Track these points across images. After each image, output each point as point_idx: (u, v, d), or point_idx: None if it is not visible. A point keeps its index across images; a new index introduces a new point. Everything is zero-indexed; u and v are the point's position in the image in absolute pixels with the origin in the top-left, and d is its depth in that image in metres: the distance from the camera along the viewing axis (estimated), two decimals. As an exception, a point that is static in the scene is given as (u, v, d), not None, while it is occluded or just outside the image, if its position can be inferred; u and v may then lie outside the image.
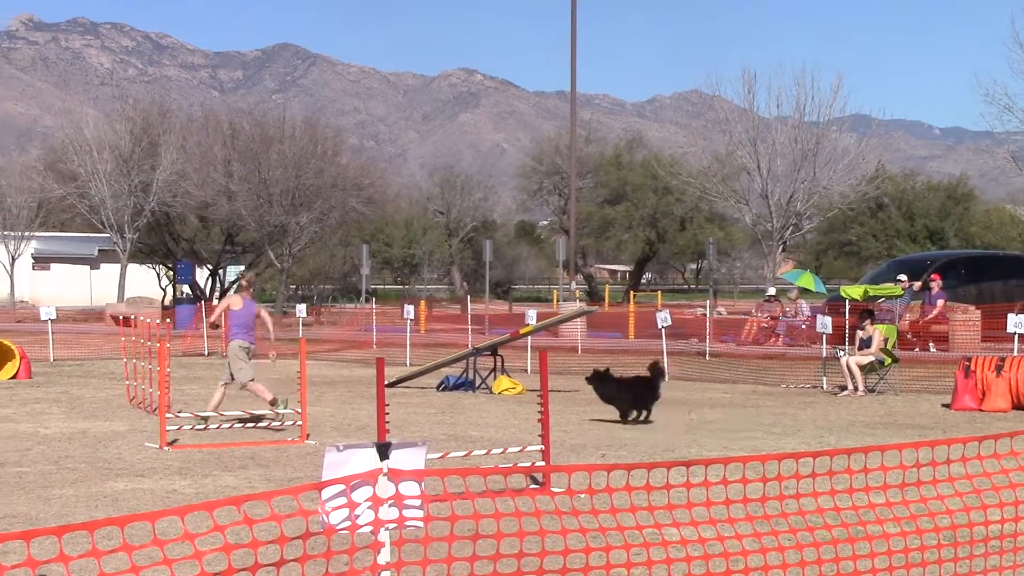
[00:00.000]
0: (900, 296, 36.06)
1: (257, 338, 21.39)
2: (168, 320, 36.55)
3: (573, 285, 60.76)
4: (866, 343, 27.77)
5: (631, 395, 22.03)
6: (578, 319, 39.88)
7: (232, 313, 21.32)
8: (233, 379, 21.00)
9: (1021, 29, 50.19)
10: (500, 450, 15.29)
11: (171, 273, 72.77)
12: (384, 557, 6.87)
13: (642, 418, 21.89)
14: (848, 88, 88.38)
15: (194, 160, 66.72)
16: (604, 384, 22.25)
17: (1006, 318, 27.89)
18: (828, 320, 30.08)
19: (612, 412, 23.54)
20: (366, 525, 6.71)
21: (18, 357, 31.11)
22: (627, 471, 7.70)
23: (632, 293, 69.42)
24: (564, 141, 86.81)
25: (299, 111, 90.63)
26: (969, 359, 25.02)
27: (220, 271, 74.31)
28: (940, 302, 38.38)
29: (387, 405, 13.60)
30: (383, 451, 6.82)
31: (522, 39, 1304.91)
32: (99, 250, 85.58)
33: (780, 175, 55.43)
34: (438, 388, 28.34)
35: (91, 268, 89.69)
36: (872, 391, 27.25)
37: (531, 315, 33.21)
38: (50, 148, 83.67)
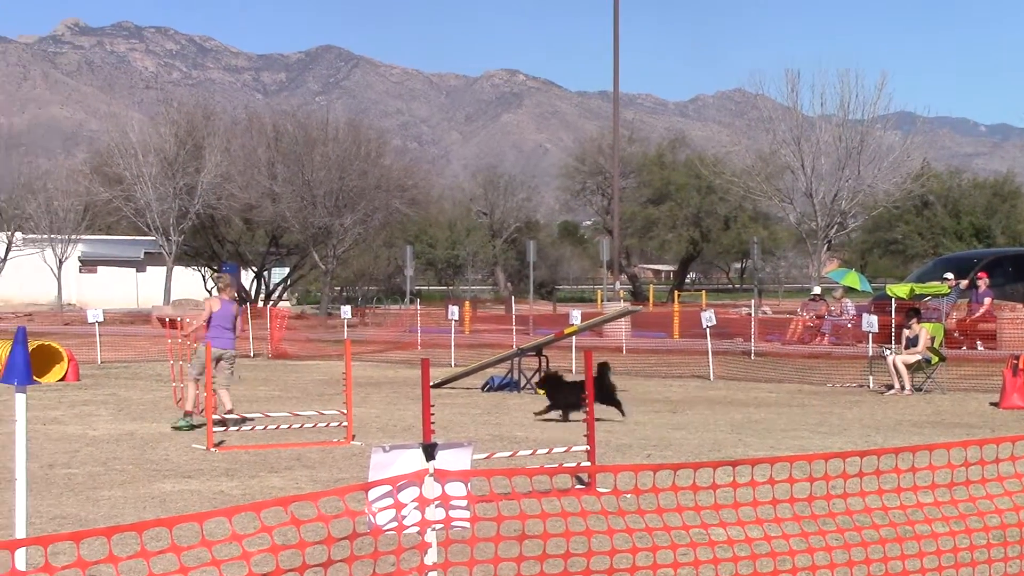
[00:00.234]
0: (947, 294, 35.88)
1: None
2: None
3: (617, 285, 60.72)
4: (913, 342, 27.64)
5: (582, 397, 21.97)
6: (622, 319, 39.85)
7: (212, 315, 21.44)
8: (225, 380, 20.95)
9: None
10: (545, 450, 15.28)
11: (216, 275, 73.05)
12: (431, 558, 6.88)
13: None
14: (892, 85, 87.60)
15: (238, 163, 66.95)
16: (557, 389, 22.15)
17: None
18: (874, 319, 29.94)
19: (656, 412, 23.52)
20: (413, 526, 6.71)
21: (66, 359, 31.30)
22: (673, 471, 7.68)
23: (676, 293, 69.31)
24: (607, 141, 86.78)
25: (342, 113, 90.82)
26: (1017, 357, 24.83)
27: (265, 273, 74.54)
28: (987, 300, 38.18)
29: (432, 406, 13.61)
30: (429, 452, 6.82)
31: (564, 39, 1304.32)
32: (145, 253, 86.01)
33: (824, 173, 55.20)
34: (483, 389, 28.33)
35: (137, 271, 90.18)
36: (919, 390, 27.10)
37: (575, 315, 33.18)
38: (96, 152, 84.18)
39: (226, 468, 16.42)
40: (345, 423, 19.19)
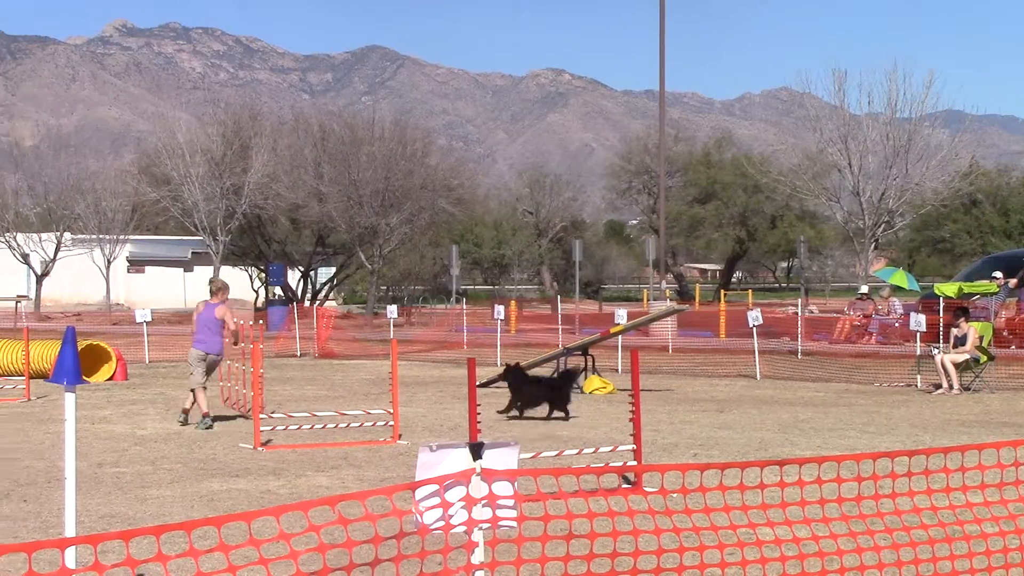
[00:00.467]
0: (995, 293, 35.68)
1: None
2: (261, 322, 36.85)
3: (663, 284, 60.58)
4: (961, 341, 27.48)
5: (542, 392, 21.92)
6: (668, 318, 39.76)
7: (196, 318, 21.91)
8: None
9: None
10: (592, 450, 15.27)
11: (263, 275, 73.31)
12: (478, 557, 6.88)
13: (562, 415, 21.93)
14: (940, 83, 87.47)
15: (285, 163, 67.12)
16: (518, 382, 22.15)
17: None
18: (922, 318, 29.77)
19: (702, 411, 23.46)
20: (460, 525, 6.73)
21: (114, 359, 31.49)
22: (720, 470, 7.66)
23: (723, 292, 69.14)
24: (653, 140, 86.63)
25: (388, 113, 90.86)
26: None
27: (312, 273, 74.74)
28: (1036, 299, 37.90)
29: (478, 405, 13.62)
30: (476, 451, 6.83)
31: (610, 38, 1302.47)
32: (192, 252, 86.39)
33: (871, 172, 54.93)
34: (529, 388, 28.28)
35: (184, 270, 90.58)
36: (967, 389, 26.95)
37: (621, 314, 33.13)
38: (144, 152, 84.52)
39: (273, 467, 16.48)
40: (391, 422, 19.23)
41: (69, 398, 8.64)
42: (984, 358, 27.37)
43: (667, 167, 67.38)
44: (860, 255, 57.26)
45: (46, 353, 30.44)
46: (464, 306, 50.38)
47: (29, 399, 25.90)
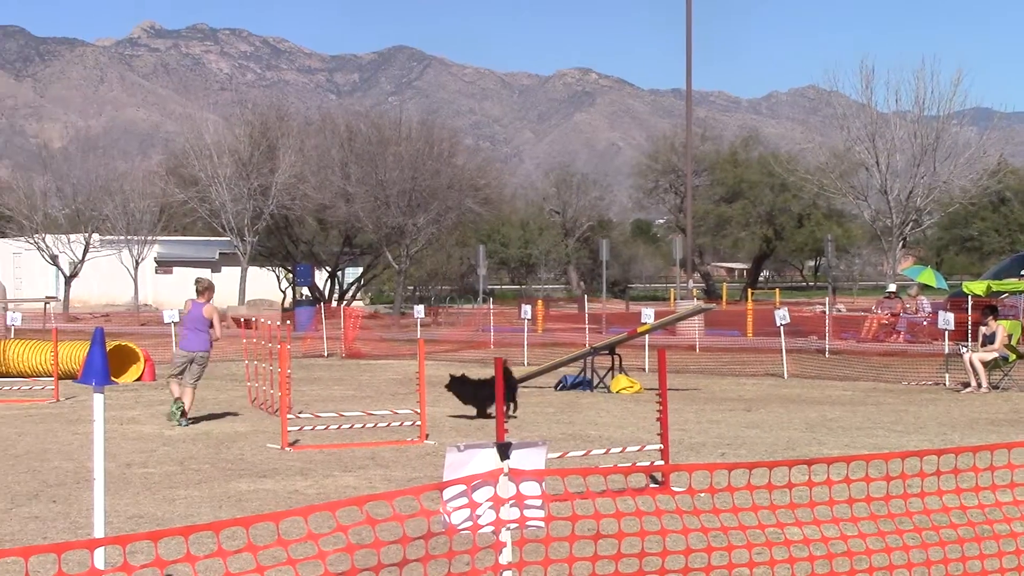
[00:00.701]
0: (1024, 291, 35.50)
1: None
2: (288, 322, 36.94)
3: (690, 283, 60.50)
4: (989, 339, 27.39)
5: (487, 394, 21.88)
6: (695, 317, 39.72)
7: (183, 317, 22.36)
8: (192, 379, 21.76)
9: None
10: (619, 449, 15.27)
11: (290, 275, 73.47)
12: (506, 557, 6.89)
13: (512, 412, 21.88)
14: (968, 81, 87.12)
15: (312, 163, 67.24)
16: (463, 387, 22.12)
17: None
18: (950, 316, 29.67)
19: (730, 410, 23.43)
20: (487, 525, 6.73)
21: (142, 360, 31.57)
22: (748, 470, 7.65)
23: (750, 291, 69.01)
24: (680, 139, 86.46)
25: (415, 113, 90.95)
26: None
27: (339, 273, 74.85)
28: (1065, 297, 37.71)
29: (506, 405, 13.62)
30: (504, 451, 6.83)
31: (637, 37, 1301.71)
32: (220, 253, 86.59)
33: (899, 170, 54.77)
34: (556, 387, 28.32)
35: (212, 271, 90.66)
36: (996, 388, 26.86)
37: (648, 314, 33.12)
38: (171, 153, 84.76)
39: (300, 467, 16.51)
40: (419, 422, 19.25)
41: (98, 399, 8.67)
42: (1013, 356, 27.27)
43: (694, 166, 67.23)
44: (888, 253, 57.10)
45: (75, 354, 30.55)
46: (491, 306, 50.38)
47: (58, 400, 26.00)
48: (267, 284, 77.99)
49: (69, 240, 76.38)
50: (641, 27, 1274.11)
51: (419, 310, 46.21)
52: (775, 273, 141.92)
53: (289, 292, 74.63)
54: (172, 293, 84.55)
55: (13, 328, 39.82)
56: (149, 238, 75.76)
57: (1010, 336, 27.72)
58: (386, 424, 20.02)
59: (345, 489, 14.69)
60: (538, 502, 6.86)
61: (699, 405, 24.43)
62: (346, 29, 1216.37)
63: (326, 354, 41.75)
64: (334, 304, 63.83)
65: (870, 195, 57.10)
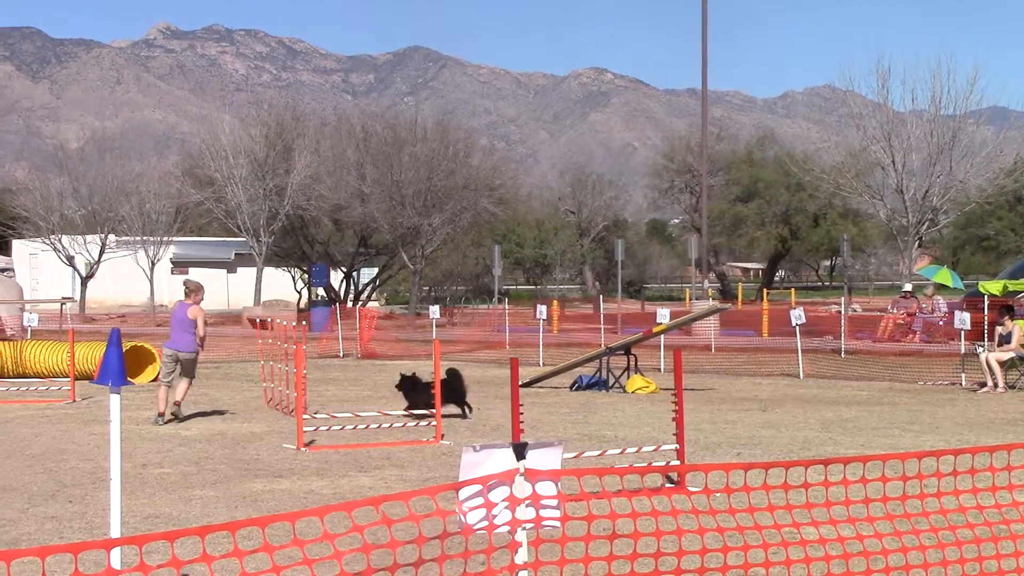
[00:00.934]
0: (1041, 291, 35.42)
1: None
2: (304, 322, 36.99)
3: (706, 283, 60.47)
4: (1006, 339, 27.34)
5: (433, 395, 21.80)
6: (711, 317, 39.68)
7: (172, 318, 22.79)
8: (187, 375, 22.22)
9: None
10: (635, 449, 15.25)
11: (306, 276, 73.55)
12: (521, 557, 6.89)
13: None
14: (985, 80, 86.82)
15: (327, 164, 67.31)
16: (414, 387, 22.05)
17: None
18: (966, 316, 29.62)
19: (746, 410, 23.41)
20: (503, 525, 6.73)
21: (158, 361, 31.60)
22: (764, 470, 7.64)
23: (765, 291, 68.96)
24: (695, 139, 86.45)
25: (430, 113, 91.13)
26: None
27: (354, 273, 74.91)
28: (1082, 296, 37.61)
29: (521, 405, 13.62)
30: (520, 451, 6.83)
31: (652, 37, 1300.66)
32: (235, 254, 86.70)
33: (915, 170, 54.72)
34: (571, 388, 28.31)
35: (228, 272, 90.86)
36: (1012, 387, 26.79)
37: (663, 314, 33.09)
38: (187, 154, 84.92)
39: (316, 467, 16.52)
40: (434, 422, 19.26)
41: (114, 399, 8.69)
42: (1030, 356, 27.20)
43: (709, 166, 67.18)
44: (904, 253, 57.02)
45: (91, 355, 30.63)
46: (506, 306, 50.39)
47: (74, 400, 26.05)
48: (283, 285, 78.09)
49: (85, 241, 76.52)
50: (656, 27, 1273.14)
51: (434, 310, 46.19)
52: (791, 273, 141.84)
53: (305, 293, 74.70)
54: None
55: (30, 329, 39.92)
56: (165, 239, 75.79)
57: (1027, 336, 27.64)
58: (401, 424, 20.03)
59: (361, 489, 14.70)
60: (554, 502, 6.86)
61: (715, 405, 24.41)
62: (361, 30, 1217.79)
63: (341, 354, 41.77)
64: (349, 304, 63.89)
65: (886, 194, 57.04)
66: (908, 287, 45.35)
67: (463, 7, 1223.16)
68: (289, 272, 77.44)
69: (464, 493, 6.67)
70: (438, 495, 6.63)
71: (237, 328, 55.32)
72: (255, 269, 68.80)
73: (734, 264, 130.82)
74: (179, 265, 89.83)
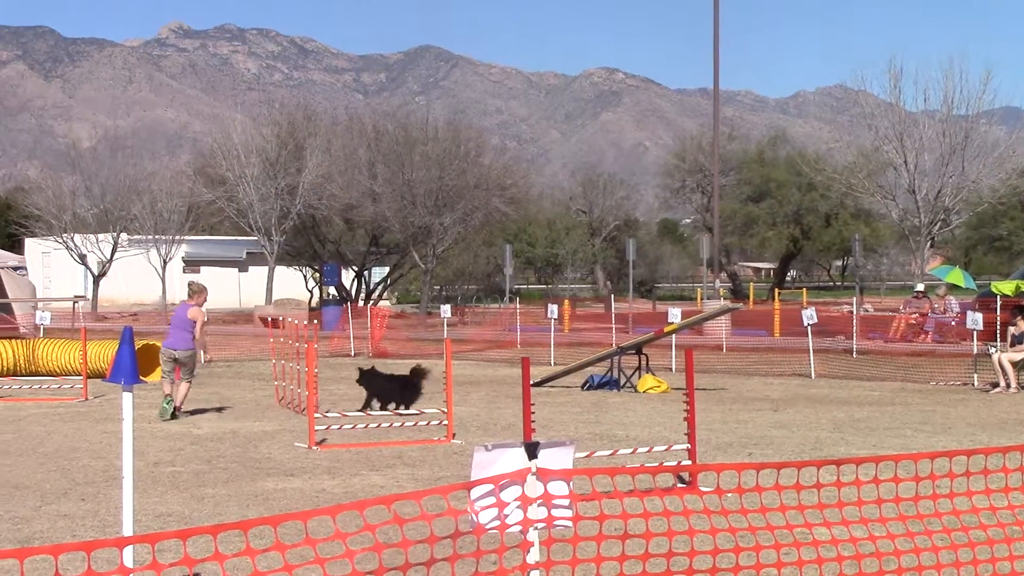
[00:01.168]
0: (1053, 291, 35.34)
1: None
2: (315, 321, 36.98)
3: (717, 283, 60.41)
4: (1018, 339, 27.29)
5: (396, 389, 21.70)
6: (722, 317, 39.64)
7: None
8: (186, 375, 22.59)
9: None
10: (646, 449, 15.24)
11: (317, 275, 73.59)
12: (533, 556, 6.88)
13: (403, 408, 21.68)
14: (998, 80, 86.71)
15: (339, 163, 67.32)
16: (372, 380, 22.00)
17: None
18: (979, 316, 29.57)
19: (757, 410, 23.38)
20: (515, 524, 6.72)
21: (168, 359, 31.64)
22: (776, 470, 7.63)
23: (777, 291, 68.88)
24: (707, 138, 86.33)
25: (442, 112, 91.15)
26: None
27: (365, 272, 74.92)
28: (1095, 297, 37.52)
29: (532, 404, 13.62)
30: (531, 451, 6.82)
31: (664, 37, 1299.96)
32: (247, 253, 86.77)
33: (927, 170, 54.61)
34: (583, 387, 28.31)
35: (239, 271, 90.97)
36: (1025, 388, 26.76)
37: (675, 313, 33.08)
38: (199, 153, 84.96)
39: (328, 466, 16.53)
40: (445, 421, 19.26)
41: (127, 398, 8.70)
42: (1042, 357, 27.15)
43: (721, 165, 67.10)
44: (916, 253, 56.94)
45: (103, 353, 30.69)
46: (517, 305, 50.38)
47: (87, 398, 26.11)
48: (294, 283, 78.12)
49: (97, 240, 76.68)
50: (668, 27, 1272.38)
51: (445, 310, 46.21)
52: (802, 273, 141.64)
53: (316, 292, 74.74)
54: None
55: (42, 327, 39.99)
56: (177, 238, 75.88)
57: (1039, 336, 27.59)
58: (413, 423, 20.03)
59: (372, 488, 14.70)
60: (566, 502, 6.85)
61: (726, 405, 24.39)
62: (373, 29, 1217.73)
63: (353, 353, 41.79)
64: (361, 303, 63.90)
65: (898, 194, 56.93)
66: (920, 287, 45.29)
67: (474, 6, 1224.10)
68: (301, 271, 77.49)
69: (476, 492, 6.67)
70: (450, 494, 6.63)
71: (249, 327, 55.38)
72: (267, 268, 68.84)
73: (746, 264, 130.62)
74: (191, 264, 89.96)
